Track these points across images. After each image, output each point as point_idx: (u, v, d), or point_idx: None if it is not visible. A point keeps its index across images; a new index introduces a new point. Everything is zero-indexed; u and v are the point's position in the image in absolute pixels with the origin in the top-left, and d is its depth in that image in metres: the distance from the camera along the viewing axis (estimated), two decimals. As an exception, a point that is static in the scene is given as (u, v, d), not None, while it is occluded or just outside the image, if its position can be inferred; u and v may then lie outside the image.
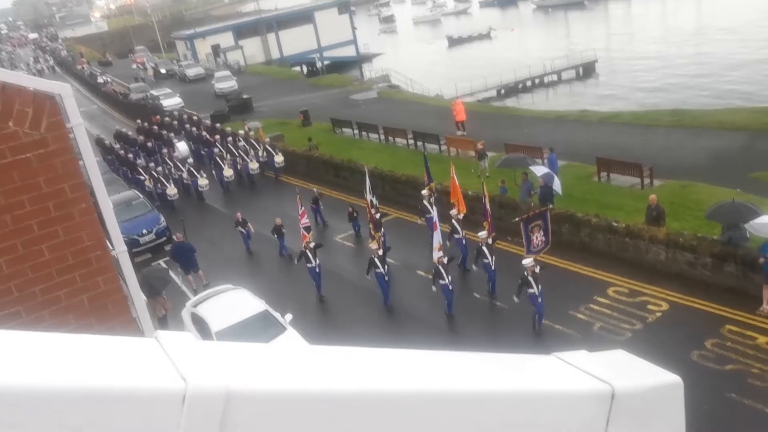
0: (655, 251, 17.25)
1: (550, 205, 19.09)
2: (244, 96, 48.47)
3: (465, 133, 33.01)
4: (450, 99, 48.53)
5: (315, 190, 24.96)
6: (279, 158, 30.53)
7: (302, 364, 1.11)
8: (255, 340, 14.35)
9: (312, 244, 18.27)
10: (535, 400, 1.10)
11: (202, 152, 34.60)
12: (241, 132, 33.35)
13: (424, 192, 20.67)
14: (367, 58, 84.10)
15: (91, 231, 4.78)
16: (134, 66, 79.00)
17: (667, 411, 1.19)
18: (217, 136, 33.42)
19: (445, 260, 16.41)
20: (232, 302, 16.03)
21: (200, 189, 29.38)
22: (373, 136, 35.17)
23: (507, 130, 32.13)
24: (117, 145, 37.20)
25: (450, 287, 16.29)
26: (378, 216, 19.47)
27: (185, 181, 30.35)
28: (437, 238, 16.77)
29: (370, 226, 18.71)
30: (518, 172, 22.47)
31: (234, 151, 31.15)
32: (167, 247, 23.08)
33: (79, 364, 0.99)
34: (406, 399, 1.04)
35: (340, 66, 77.72)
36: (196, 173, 29.63)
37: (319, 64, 77.35)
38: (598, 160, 23.90)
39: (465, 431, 1.04)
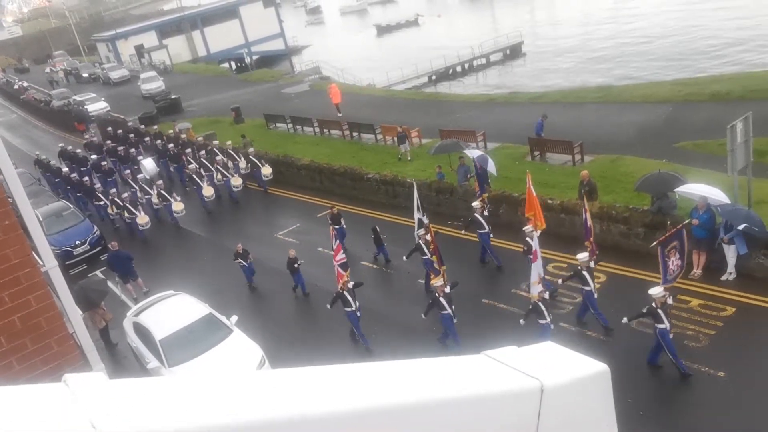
0: (590, 225, 17.74)
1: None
2: (173, 96, 47.33)
3: (341, 114, 35.11)
4: (386, 87, 48.83)
5: (333, 208, 20.73)
6: (267, 170, 27.09)
7: (223, 397, 1.06)
8: (201, 345, 14.18)
9: (350, 284, 15.22)
10: (466, 404, 1.10)
11: (171, 169, 30.78)
12: (216, 142, 30.25)
13: (476, 204, 17.91)
14: (296, 50, 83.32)
15: (18, 248, 4.58)
16: (47, 70, 76.11)
17: (595, 399, 1.23)
18: (189, 150, 29.78)
19: (546, 295, 13.67)
20: (175, 308, 15.69)
21: (176, 215, 25.01)
22: (308, 129, 34.94)
23: (440, 116, 32.44)
24: (65, 169, 31.97)
25: (552, 327, 13.49)
26: (428, 237, 16.16)
27: (155, 206, 25.80)
28: (537, 270, 13.81)
29: (434, 258, 15.35)
30: (453, 157, 22.73)
31: (209, 166, 27.63)
32: (103, 257, 22.41)
33: None
34: (333, 420, 1.02)
35: (269, 60, 76.79)
36: (168, 196, 25.29)
37: (247, 60, 76.06)
38: (530, 140, 24.41)
39: None
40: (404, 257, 17.15)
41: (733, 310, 13.82)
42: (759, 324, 13.44)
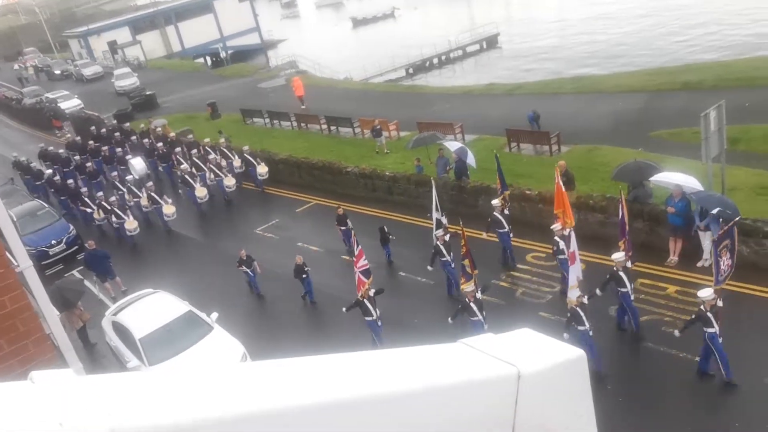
0: (568, 215, 17.88)
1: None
2: (148, 92, 46.81)
3: (305, 106, 35.98)
4: (363, 80, 48.77)
5: (339, 208, 19.72)
6: (262, 168, 25.84)
7: (195, 391, 1.05)
8: (182, 343, 14.08)
9: (371, 291, 14.28)
10: (444, 392, 1.11)
11: (160, 168, 29.17)
12: (207, 140, 28.78)
13: (496, 202, 16.89)
14: (272, 44, 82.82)
15: (-9, 248, 4.51)
16: (16, 67, 75.03)
17: (572, 384, 1.25)
18: (178, 149, 28.36)
19: (585, 300, 12.58)
20: (154, 306, 15.55)
21: (167, 218, 23.52)
22: (285, 123, 34.78)
23: (418, 108, 32.45)
24: (47, 171, 30.27)
25: (590, 333, 12.38)
26: (447, 238, 15.90)
27: (145, 209, 24.50)
28: (575, 273, 12.85)
29: (466, 262, 14.18)
30: (432, 149, 22.76)
31: (202, 165, 26.27)
32: (80, 256, 22.13)
33: None
34: (310, 411, 1.01)
35: (245, 55, 76.22)
36: (158, 198, 23.79)
37: (223, 54, 75.60)
38: (507, 131, 24.54)
39: None
40: (429, 267, 16.12)
41: (709, 295, 14.01)
42: (734, 309, 13.62)
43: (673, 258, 15.46)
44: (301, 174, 26.30)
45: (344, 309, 14.61)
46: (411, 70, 56.25)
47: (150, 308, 15.49)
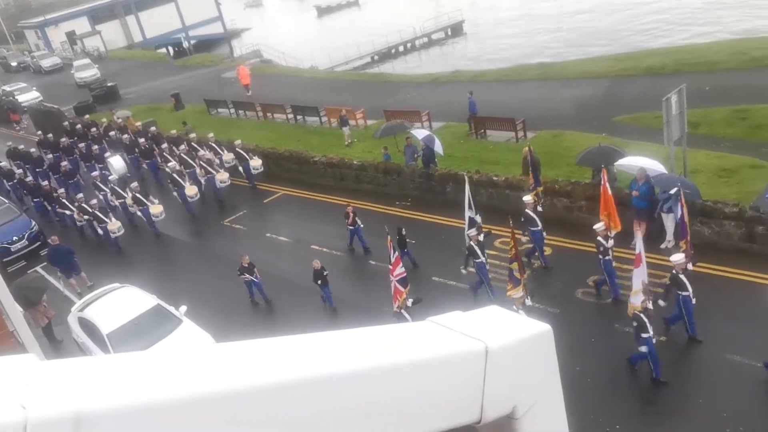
0: (534, 200, 18.08)
1: (433, 168, 18.27)
2: (109, 84, 45.96)
3: (250, 94, 37.06)
4: (329, 68, 48.51)
5: (348, 206, 18.51)
6: (256, 162, 24.54)
7: (165, 372, 1.04)
8: (151, 336, 13.94)
9: (410, 301, 13.25)
10: (413, 369, 1.13)
11: (144, 166, 27.60)
12: (193, 135, 27.42)
13: (527, 198, 15.85)
14: (236, 33, 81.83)
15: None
16: None
17: (539, 358, 1.29)
18: (165, 145, 26.88)
19: (650, 305, 11.61)
20: (122, 301, 15.34)
21: (155, 218, 22.27)
22: (251, 113, 34.46)
23: (385, 96, 32.41)
24: (18, 170, 28.79)
25: (654, 340, 11.59)
26: (481, 237, 14.93)
27: (131, 210, 23.05)
28: (640, 276, 11.89)
29: (514, 266, 13.37)
30: (399, 138, 22.78)
31: (191, 161, 24.77)
32: (43, 252, 21.68)
33: None
34: (276, 391, 1.01)
35: (208, 44, 75.15)
36: (144, 199, 22.38)
37: (185, 44, 74.33)
38: (472, 118, 24.66)
39: (350, 413, 1.05)
40: (462, 269, 15.14)
41: (673, 276, 14.31)
42: (696, 289, 13.95)
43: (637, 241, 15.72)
44: (269, 164, 26.08)
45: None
46: (376, 58, 56.14)
47: (117, 303, 15.28)
